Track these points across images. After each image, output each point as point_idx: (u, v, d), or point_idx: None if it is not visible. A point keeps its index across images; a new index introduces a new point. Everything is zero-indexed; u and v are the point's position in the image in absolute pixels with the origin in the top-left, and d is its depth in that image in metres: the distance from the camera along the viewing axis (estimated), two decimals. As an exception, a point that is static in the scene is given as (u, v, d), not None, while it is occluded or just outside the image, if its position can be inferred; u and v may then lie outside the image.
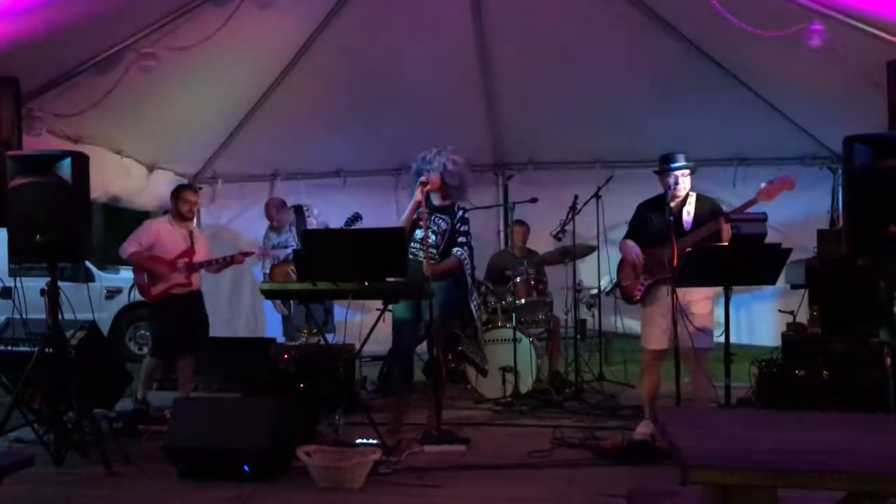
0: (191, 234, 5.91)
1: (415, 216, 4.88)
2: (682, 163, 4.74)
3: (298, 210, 6.97)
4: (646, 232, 4.81)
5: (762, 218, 4.86)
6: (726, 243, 4.53)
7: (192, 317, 5.80)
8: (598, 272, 6.66)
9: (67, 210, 4.21)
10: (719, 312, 4.63)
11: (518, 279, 6.36)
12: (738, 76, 6.08)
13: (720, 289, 4.56)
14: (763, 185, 4.51)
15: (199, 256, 5.83)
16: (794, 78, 5.60)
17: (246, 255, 6.07)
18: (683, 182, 4.73)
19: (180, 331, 5.68)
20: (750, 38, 4.48)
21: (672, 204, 4.71)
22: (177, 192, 5.91)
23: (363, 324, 5.08)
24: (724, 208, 4.88)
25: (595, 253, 6.60)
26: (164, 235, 5.74)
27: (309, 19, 5.99)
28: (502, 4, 5.79)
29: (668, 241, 4.41)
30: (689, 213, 4.71)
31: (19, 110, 4.71)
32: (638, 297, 4.83)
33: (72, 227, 4.23)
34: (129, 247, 5.65)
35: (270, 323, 7.73)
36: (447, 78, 6.50)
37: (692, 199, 4.77)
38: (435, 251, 4.89)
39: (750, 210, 4.56)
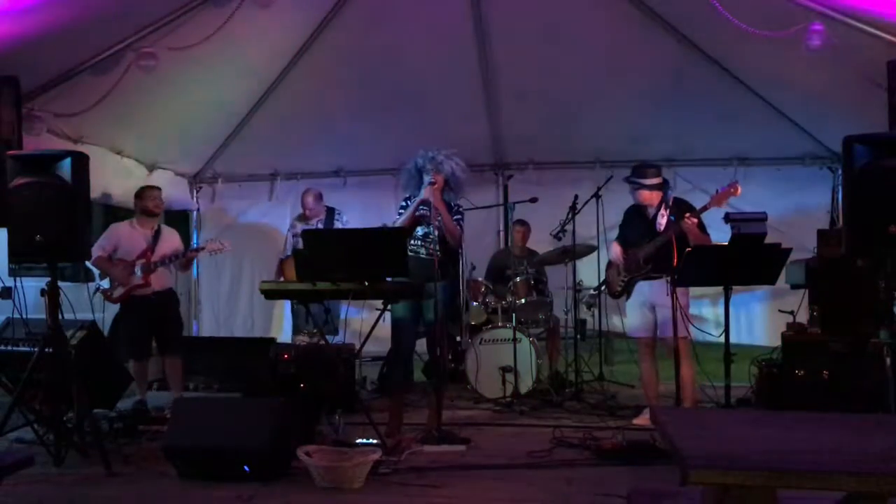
0: (156, 232, 5.80)
1: (417, 213, 4.89)
2: (647, 180, 5.08)
3: (330, 211, 7.00)
4: (627, 234, 5.31)
5: (762, 218, 4.90)
6: (696, 241, 4.77)
7: (160, 317, 5.72)
8: (598, 272, 6.65)
9: (67, 210, 4.20)
10: (719, 312, 4.68)
11: (518, 279, 6.37)
12: (738, 76, 6.09)
13: (708, 289, 4.76)
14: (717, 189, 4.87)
15: (160, 254, 5.71)
16: (795, 78, 5.60)
17: (198, 250, 5.96)
18: (648, 195, 5.09)
19: (150, 332, 5.68)
20: (750, 38, 4.49)
21: (650, 208, 5.11)
22: (139, 193, 5.86)
23: (363, 322, 5.07)
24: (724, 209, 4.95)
25: (595, 253, 6.60)
26: (124, 238, 5.72)
27: (309, 19, 5.99)
28: (502, 4, 5.80)
29: (641, 243, 5.05)
30: (662, 216, 5.04)
31: (19, 110, 4.71)
32: (618, 292, 5.32)
33: (72, 227, 4.22)
34: (93, 253, 5.54)
35: (274, 320, 7.84)
36: (447, 77, 6.51)
37: (669, 204, 5.10)
38: (438, 247, 4.91)
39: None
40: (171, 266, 5.80)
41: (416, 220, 4.92)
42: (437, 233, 4.89)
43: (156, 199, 5.81)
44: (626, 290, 5.25)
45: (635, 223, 5.24)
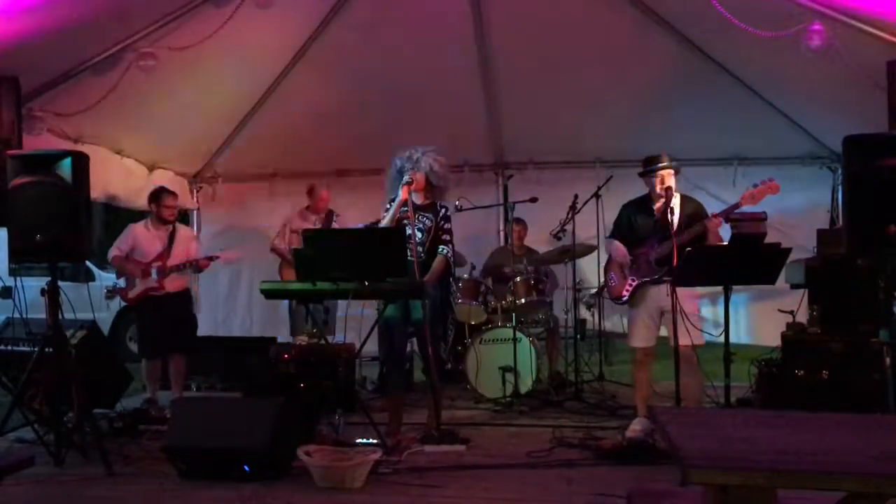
0: (171, 236, 5.87)
1: (398, 215, 4.81)
2: (665, 162, 4.80)
3: (329, 213, 6.98)
4: (631, 232, 4.91)
5: (762, 217, 4.89)
6: (713, 243, 4.60)
7: (174, 317, 5.82)
8: (598, 272, 6.65)
9: (67, 210, 4.21)
10: (718, 312, 4.66)
11: (518, 279, 6.36)
12: (737, 76, 6.08)
13: (707, 289, 4.60)
14: (748, 188, 4.63)
15: (177, 258, 5.80)
16: (794, 77, 5.60)
17: (211, 259, 6.02)
18: (668, 182, 4.76)
19: (163, 331, 5.75)
20: (750, 37, 4.49)
21: (657, 205, 4.79)
22: (157, 196, 5.88)
23: (363, 319, 5.05)
24: (719, 208, 4.90)
25: (595, 252, 6.59)
26: (141, 239, 5.82)
27: (309, 19, 5.99)
28: (502, 4, 5.80)
29: (654, 242, 4.65)
30: (673, 213, 4.69)
31: (20, 110, 4.71)
32: (625, 297, 4.91)
33: (72, 227, 4.23)
34: (111, 252, 5.84)
35: (273, 319, 7.80)
36: (447, 78, 6.50)
37: (676, 200, 4.80)
38: (421, 248, 4.82)
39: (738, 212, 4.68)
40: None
41: (397, 223, 4.82)
42: (420, 234, 4.82)
43: (172, 209, 5.90)
44: (633, 296, 4.86)
45: (640, 221, 4.86)
